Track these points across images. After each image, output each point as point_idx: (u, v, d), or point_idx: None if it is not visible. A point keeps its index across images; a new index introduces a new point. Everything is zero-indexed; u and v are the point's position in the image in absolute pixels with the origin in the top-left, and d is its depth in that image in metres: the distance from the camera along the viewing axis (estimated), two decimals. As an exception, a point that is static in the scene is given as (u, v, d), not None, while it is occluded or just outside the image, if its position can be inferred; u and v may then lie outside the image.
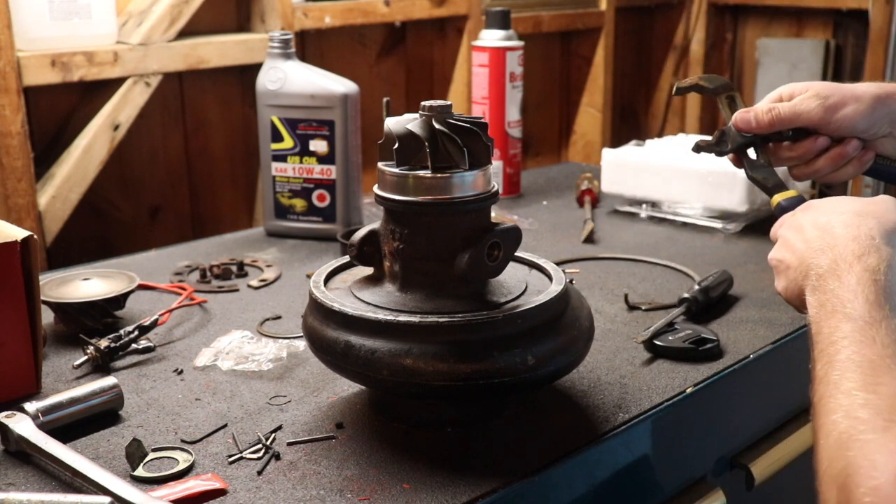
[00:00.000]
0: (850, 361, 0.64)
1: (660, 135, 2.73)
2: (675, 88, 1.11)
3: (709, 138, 1.07)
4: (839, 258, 0.74)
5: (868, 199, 0.83)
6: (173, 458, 0.82)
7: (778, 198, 1.00)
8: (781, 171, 1.06)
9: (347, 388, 0.95)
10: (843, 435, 0.58)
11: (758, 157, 1.05)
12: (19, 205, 1.40)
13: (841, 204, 0.83)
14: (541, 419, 0.90)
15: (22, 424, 0.82)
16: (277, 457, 0.82)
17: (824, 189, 2.00)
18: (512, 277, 0.90)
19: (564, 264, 1.33)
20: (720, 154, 1.07)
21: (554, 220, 1.58)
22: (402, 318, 0.81)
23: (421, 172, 0.83)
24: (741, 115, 1.03)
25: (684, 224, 1.54)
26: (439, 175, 0.83)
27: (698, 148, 1.08)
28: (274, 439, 0.85)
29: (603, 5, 2.37)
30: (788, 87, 1.04)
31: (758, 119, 1.01)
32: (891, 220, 0.79)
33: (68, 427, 0.86)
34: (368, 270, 0.92)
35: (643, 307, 1.17)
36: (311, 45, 1.83)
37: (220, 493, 0.77)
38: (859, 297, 0.69)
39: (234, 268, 1.30)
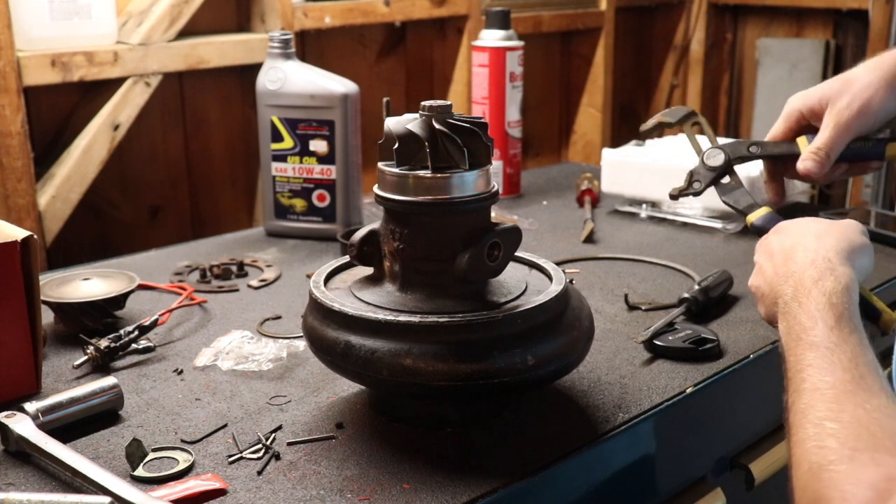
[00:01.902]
0: (816, 391, 0.65)
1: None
2: (640, 132, 1.15)
3: (681, 184, 1.11)
4: (799, 284, 0.76)
5: (833, 221, 0.86)
6: (173, 458, 0.82)
7: (751, 218, 1.04)
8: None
9: (347, 388, 0.95)
10: (815, 465, 0.60)
11: (731, 180, 1.09)
12: (19, 205, 1.40)
13: (806, 226, 0.86)
14: (541, 419, 0.90)
15: (22, 424, 0.82)
16: (277, 457, 0.82)
17: (824, 189, 2.00)
18: (512, 277, 0.90)
19: (564, 264, 1.33)
20: (697, 195, 1.11)
21: (554, 220, 1.58)
22: (402, 318, 0.81)
23: (421, 172, 0.83)
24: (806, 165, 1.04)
25: (684, 224, 1.54)
26: (439, 175, 0.83)
27: (674, 197, 1.12)
28: (274, 439, 0.85)
29: (603, 5, 2.37)
30: (800, 101, 1.06)
31: (819, 170, 1.03)
32: (849, 238, 0.81)
33: (68, 427, 0.86)
34: (368, 270, 0.91)
35: (643, 307, 1.17)
36: (311, 45, 1.83)
37: (220, 493, 0.77)
38: (819, 323, 0.70)
39: (234, 268, 1.30)
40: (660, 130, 1.15)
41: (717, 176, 1.09)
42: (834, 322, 0.70)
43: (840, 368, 0.65)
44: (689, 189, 1.10)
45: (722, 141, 1.14)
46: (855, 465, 0.57)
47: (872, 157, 1.06)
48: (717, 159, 1.09)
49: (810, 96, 1.06)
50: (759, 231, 1.01)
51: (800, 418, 0.65)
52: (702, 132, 1.16)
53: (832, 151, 1.03)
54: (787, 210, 1.00)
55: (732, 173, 1.10)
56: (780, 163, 1.10)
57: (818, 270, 0.76)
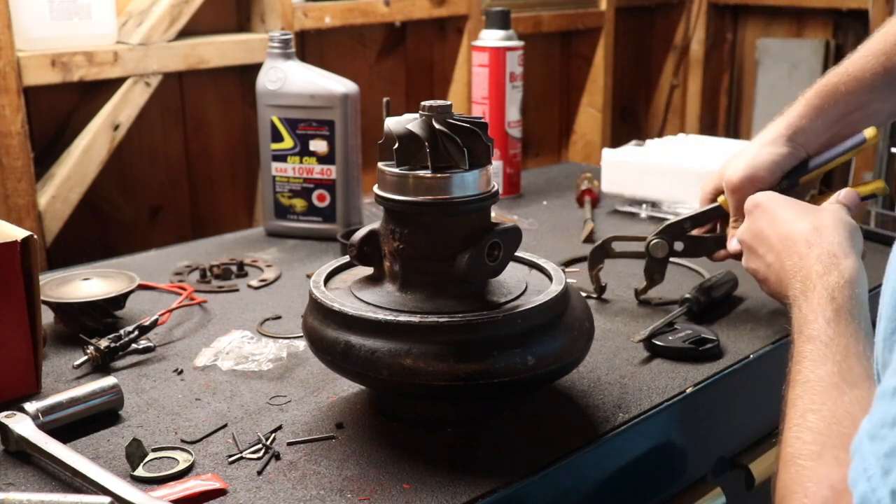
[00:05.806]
0: (807, 382, 0.67)
1: (660, 135, 2.73)
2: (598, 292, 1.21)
3: (642, 285, 1.18)
4: (806, 279, 0.79)
5: (814, 207, 0.90)
6: (173, 458, 0.82)
7: (733, 247, 1.08)
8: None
9: (347, 388, 0.95)
10: (788, 456, 0.62)
11: (683, 245, 1.16)
12: (19, 205, 1.40)
13: (791, 208, 0.89)
14: (541, 419, 0.90)
15: (22, 424, 0.82)
16: (277, 457, 0.82)
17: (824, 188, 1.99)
18: (512, 277, 0.90)
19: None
20: (659, 281, 1.17)
21: (554, 220, 1.57)
22: (402, 318, 0.81)
23: (421, 172, 0.83)
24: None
25: (684, 224, 1.53)
26: (439, 175, 0.83)
27: (641, 295, 1.18)
28: (274, 439, 0.85)
29: (603, 5, 2.37)
30: (709, 183, 1.14)
31: None
32: (845, 225, 0.85)
33: (68, 427, 0.86)
34: (368, 270, 0.91)
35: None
36: (311, 45, 1.83)
37: (220, 493, 0.77)
38: (819, 317, 0.73)
39: (234, 268, 1.30)
40: (601, 264, 1.21)
41: (665, 262, 1.16)
42: (833, 315, 0.72)
43: (831, 362, 0.67)
44: (651, 284, 1.17)
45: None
46: (819, 463, 0.59)
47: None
48: (662, 249, 1.16)
49: (712, 176, 1.14)
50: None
51: (790, 408, 0.67)
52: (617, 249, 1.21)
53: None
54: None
55: (672, 252, 1.16)
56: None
57: (824, 265, 0.79)
